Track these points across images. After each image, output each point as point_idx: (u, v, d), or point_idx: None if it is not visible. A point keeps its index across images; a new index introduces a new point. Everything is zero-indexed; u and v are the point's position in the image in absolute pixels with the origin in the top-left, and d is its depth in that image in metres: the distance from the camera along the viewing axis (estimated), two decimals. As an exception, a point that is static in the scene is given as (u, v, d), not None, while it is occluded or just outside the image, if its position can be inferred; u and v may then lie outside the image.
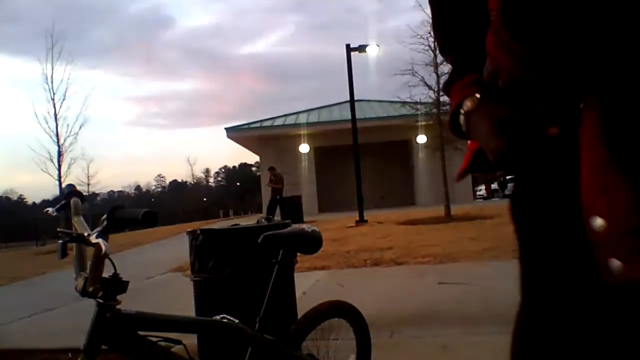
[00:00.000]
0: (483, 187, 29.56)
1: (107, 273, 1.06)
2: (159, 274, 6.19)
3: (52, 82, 14.47)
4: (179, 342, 1.17)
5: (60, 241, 1.11)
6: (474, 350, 2.74)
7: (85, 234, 1.06)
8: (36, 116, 14.41)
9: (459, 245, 6.31)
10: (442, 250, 5.93)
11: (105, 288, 1.04)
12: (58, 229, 1.12)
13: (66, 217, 1.19)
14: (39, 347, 3.45)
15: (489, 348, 2.73)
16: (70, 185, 1.29)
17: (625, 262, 0.51)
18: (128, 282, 1.07)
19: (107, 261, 1.04)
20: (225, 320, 1.29)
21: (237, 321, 1.31)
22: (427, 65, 11.28)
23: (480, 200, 25.86)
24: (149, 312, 1.16)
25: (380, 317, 3.24)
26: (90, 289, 1.01)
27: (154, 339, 1.14)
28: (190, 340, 1.18)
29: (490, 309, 3.43)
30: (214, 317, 1.31)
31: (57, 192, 15.23)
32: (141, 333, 1.12)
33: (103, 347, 1.07)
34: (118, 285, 1.06)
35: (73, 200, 1.21)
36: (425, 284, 4.39)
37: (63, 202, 1.23)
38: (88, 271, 1.03)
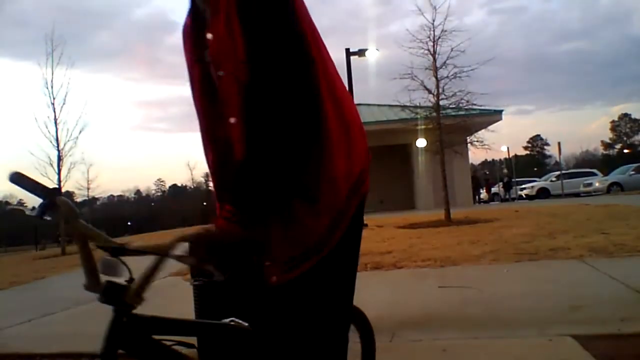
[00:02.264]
0: (484, 190, 29.56)
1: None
2: (158, 278, 6.17)
3: (52, 87, 14.49)
4: (192, 346, 1.17)
5: (108, 258, 1.07)
6: (474, 353, 2.73)
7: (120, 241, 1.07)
8: (36, 121, 14.43)
9: (459, 249, 6.30)
10: (442, 254, 5.92)
11: (119, 292, 1.04)
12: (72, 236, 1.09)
13: (67, 222, 1.16)
14: (38, 352, 3.44)
15: (489, 351, 2.73)
16: (55, 189, 1.25)
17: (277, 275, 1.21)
18: (128, 285, 1.07)
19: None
20: (234, 323, 1.29)
21: (246, 324, 1.31)
22: (426, 69, 11.29)
23: (481, 203, 25.85)
24: (163, 316, 1.16)
25: (381, 320, 3.24)
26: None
27: (168, 343, 1.14)
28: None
29: (491, 312, 3.43)
30: (224, 320, 1.31)
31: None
32: (155, 337, 1.12)
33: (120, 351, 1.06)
34: (121, 289, 1.06)
35: (61, 200, 1.12)
36: (426, 288, 4.39)
37: (45, 202, 1.13)
38: (140, 277, 1.05)
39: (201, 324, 1.30)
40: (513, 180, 29.42)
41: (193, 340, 1.17)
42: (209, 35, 1.23)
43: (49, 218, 1.15)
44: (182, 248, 1.19)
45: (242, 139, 1.16)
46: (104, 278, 1.07)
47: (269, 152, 1.09)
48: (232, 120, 1.21)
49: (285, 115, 1.09)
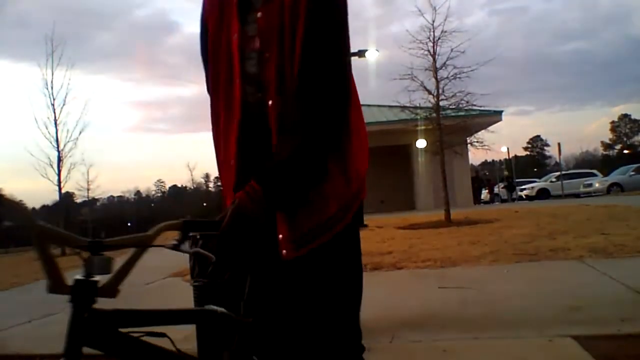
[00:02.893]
0: (487, 190, 29.47)
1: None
2: (158, 279, 6.18)
3: (52, 88, 14.51)
4: (162, 335, 1.15)
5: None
6: (474, 354, 2.74)
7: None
8: (36, 121, 14.45)
9: (459, 250, 6.30)
10: (442, 255, 5.92)
11: (79, 289, 1.01)
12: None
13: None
14: (38, 353, 3.44)
15: (490, 352, 2.73)
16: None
17: (288, 250, 1.23)
18: (98, 280, 1.04)
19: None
20: (208, 308, 1.28)
21: (222, 309, 1.30)
22: (426, 69, 11.30)
23: (481, 203, 25.82)
24: (128, 308, 1.13)
25: (381, 321, 3.24)
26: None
27: (137, 334, 1.12)
28: (174, 331, 1.16)
29: (491, 312, 3.43)
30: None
31: (56, 197, 15.26)
32: (123, 330, 1.10)
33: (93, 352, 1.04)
34: (91, 285, 1.03)
35: (6, 200, 0.99)
36: (426, 288, 4.39)
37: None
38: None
39: (169, 312, 1.26)
40: (514, 181, 29.40)
41: (163, 329, 1.15)
42: (259, 14, 1.25)
43: (8, 223, 1.10)
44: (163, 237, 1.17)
45: (277, 121, 1.22)
46: (70, 278, 1.04)
47: (303, 133, 1.17)
48: (270, 102, 1.24)
49: (323, 106, 1.19)
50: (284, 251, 1.23)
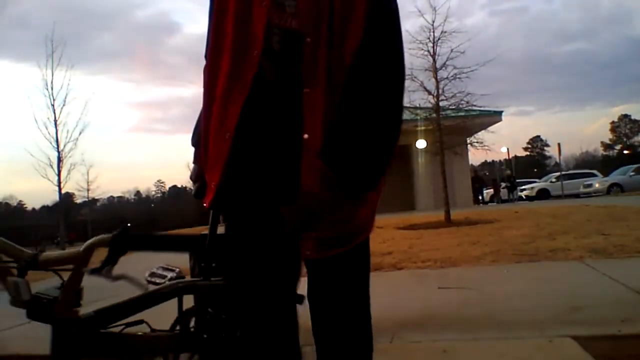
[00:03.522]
0: (491, 189, 29.34)
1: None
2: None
3: (52, 88, 14.54)
4: (140, 322, 1.16)
5: None
6: (474, 354, 2.73)
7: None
8: (36, 122, 14.49)
9: (459, 250, 6.30)
10: (442, 255, 5.92)
11: (47, 307, 1.00)
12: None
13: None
14: (38, 354, 3.44)
15: (490, 352, 2.73)
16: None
17: (312, 251, 1.18)
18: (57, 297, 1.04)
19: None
20: (181, 283, 1.29)
21: (187, 278, 1.32)
22: (426, 70, 11.31)
23: (482, 204, 25.79)
24: (109, 304, 1.13)
25: (381, 322, 3.23)
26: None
27: (117, 329, 1.12)
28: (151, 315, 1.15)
29: (491, 313, 3.43)
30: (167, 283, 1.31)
31: (56, 197, 15.26)
32: (104, 329, 1.09)
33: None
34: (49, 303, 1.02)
35: None
36: (426, 289, 4.38)
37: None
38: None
39: (147, 296, 1.25)
40: (515, 180, 29.38)
41: (141, 315, 1.15)
42: None
43: None
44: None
45: (319, 110, 1.12)
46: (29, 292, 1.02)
47: (359, 129, 1.12)
48: (307, 90, 1.12)
49: (392, 97, 1.16)
50: (307, 252, 1.19)
